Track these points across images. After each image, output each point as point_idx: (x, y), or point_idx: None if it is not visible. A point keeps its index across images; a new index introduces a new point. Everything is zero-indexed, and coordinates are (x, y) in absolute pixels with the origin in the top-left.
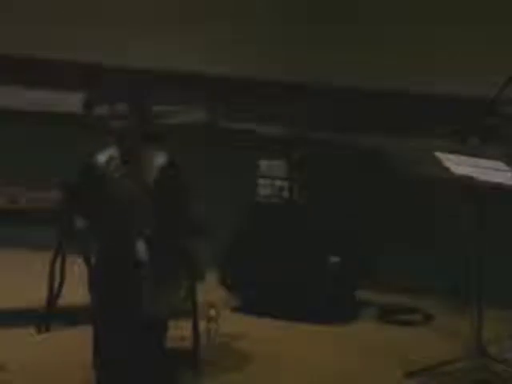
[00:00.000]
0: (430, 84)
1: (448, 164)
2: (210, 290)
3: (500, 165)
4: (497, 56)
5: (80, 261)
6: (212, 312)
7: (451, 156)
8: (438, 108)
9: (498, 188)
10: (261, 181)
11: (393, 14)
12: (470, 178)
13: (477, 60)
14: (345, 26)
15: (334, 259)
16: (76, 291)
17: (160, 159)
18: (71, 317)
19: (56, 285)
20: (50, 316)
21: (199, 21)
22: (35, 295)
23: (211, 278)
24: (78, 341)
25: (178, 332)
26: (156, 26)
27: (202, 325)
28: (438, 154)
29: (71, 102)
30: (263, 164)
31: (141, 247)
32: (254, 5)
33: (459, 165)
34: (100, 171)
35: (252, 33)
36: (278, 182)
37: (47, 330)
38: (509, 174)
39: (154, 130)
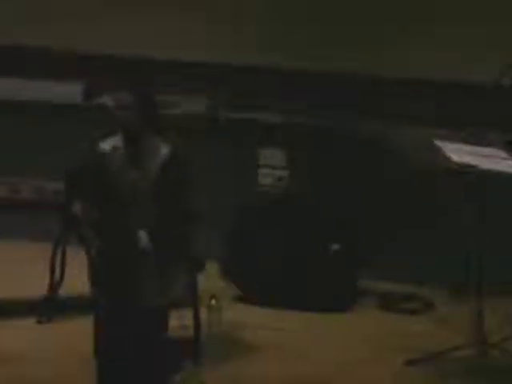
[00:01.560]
0: (429, 71)
1: (448, 152)
2: (210, 279)
3: (501, 153)
4: (497, 41)
5: (81, 251)
6: (213, 301)
7: (451, 144)
8: (436, 95)
9: (498, 176)
10: (261, 170)
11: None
12: (471, 167)
13: (477, 45)
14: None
15: (335, 247)
16: (77, 281)
17: (163, 149)
18: (72, 307)
19: (57, 275)
20: (51, 306)
21: (199, 8)
22: (36, 285)
23: (212, 267)
24: (79, 331)
25: (179, 321)
26: (155, 12)
27: (203, 314)
28: (438, 142)
29: (73, 91)
30: (263, 153)
31: (143, 237)
32: None
33: (459, 153)
34: (103, 160)
35: (252, 18)
36: (278, 172)
37: (48, 320)
38: (510, 162)
39: (158, 120)
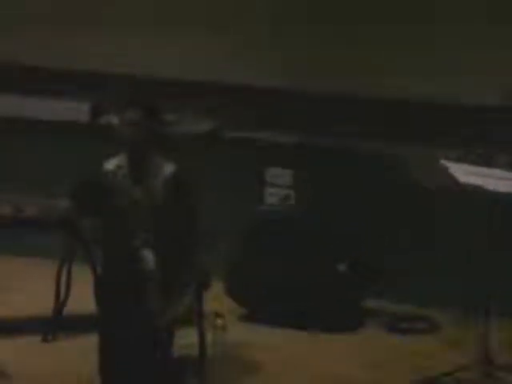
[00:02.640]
0: (433, 93)
1: (454, 172)
2: (216, 298)
3: (507, 174)
4: (499, 64)
5: (87, 268)
6: (218, 321)
7: (458, 164)
8: (441, 116)
9: (505, 197)
10: (267, 189)
11: (392, 14)
12: (477, 187)
13: (478, 69)
14: (345, 28)
15: (341, 267)
16: (83, 299)
17: (167, 168)
18: (78, 325)
19: (62, 293)
20: (56, 324)
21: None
22: (42, 303)
23: (217, 286)
24: (84, 349)
25: (184, 340)
26: (158, 32)
27: (208, 333)
28: (445, 162)
29: (79, 110)
30: (268, 172)
31: (148, 256)
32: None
33: (466, 173)
34: (107, 180)
35: (252, 39)
36: (284, 191)
37: (53, 338)
38: None
39: (164, 138)
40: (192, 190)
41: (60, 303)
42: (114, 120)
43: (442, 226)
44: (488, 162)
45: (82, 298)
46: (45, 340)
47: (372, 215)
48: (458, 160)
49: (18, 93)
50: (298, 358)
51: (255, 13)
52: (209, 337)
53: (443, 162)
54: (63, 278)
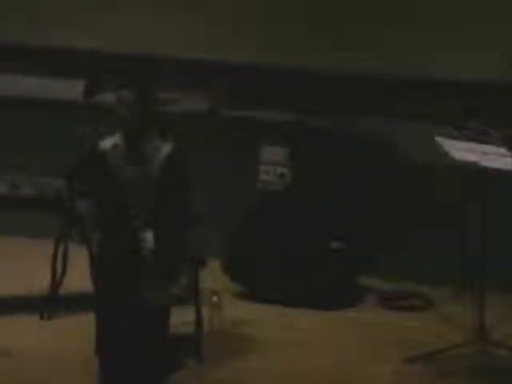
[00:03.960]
0: (428, 68)
1: (449, 149)
2: (212, 276)
3: (502, 150)
4: (495, 38)
5: (83, 248)
6: (214, 298)
7: (452, 141)
8: (437, 93)
9: (499, 173)
10: (262, 167)
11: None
12: (472, 164)
13: (476, 44)
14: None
15: (336, 245)
16: (79, 279)
17: (164, 148)
18: (74, 304)
19: (59, 272)
20: (52, 303)
21: (199, 7)
22: (38, 283)
23: (213, 264)
24: (80, 328)
25: (181, 318)
26: (156, 10)
27: (205, 311)
28: (439, 139)
29: (74, 89)
30: (264, 150)
31: (147, 236)
32: None
33: (460, 150)
34: (104, 159)
35: (251, 17)
36: (279, 169)
37: (50, 317)
38: (510, 159)
39: (158, 118)
40: (189, 169)
41: (56, 282)
42: (109, 98)
43: (435, 203)
44: (483, 139)
45: (79, 277)
46: (41, 318)
47: (368, 193)
48: (453, 137)
49: (13, 72)
50: (293, 335)
51: None
52: (205, 314)
53: (438, 138)
54: (59, 257)
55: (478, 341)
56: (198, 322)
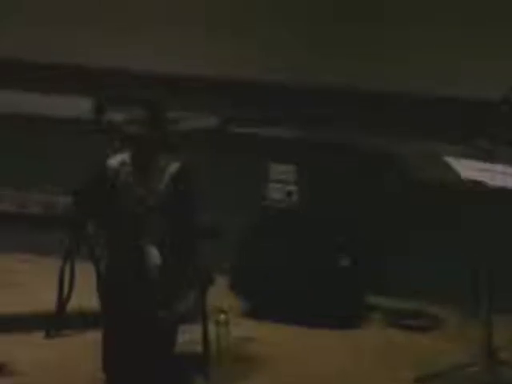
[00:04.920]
0: (434, 86)
1: (456, 168)
2: (219, 295)
3: (510, 169)
4: (502, 58)
5: (90, 266)
6: (222, 317)
7: (460, 160)
8: (445, 111)
9: (507, 193)
10: (270, 185)
11: (395, 15)
12: (480, 183)
13: (482, 62)
14: (347, 25)
15: (344, 263)
16: (86, 296)
17: (172, 165)
18: (81, 322)
19: (66, 290)
20: (59, 321)
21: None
22: (45, 300)
23: (221, 283)
24: (87, 346)
25: (188, 336)
26: (157, 29)
27: (212, 329)
28: (447, 158)
29: (83, 106)
30: (272, 168)
31: (154, 253)
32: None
33: (468, 169)
34: (111, 176)
35: (253, 35)
36: (288, 187)
37: (56, 334)
38: None
39: (168, 137)
40: (196, 187)
41: (63, 300)
42: (118, 117)
43: (446, 222)
44: (490, 158)
45: (86, 295)
46: (48, 336)
47: (375, 211)
48: (460, 156)
49: (20, 89)
50: (301, 354)
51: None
52: (212, 333)
53: (445, 157)
54: (66, 275)
55: (487, 360)
56: (205, 340)
